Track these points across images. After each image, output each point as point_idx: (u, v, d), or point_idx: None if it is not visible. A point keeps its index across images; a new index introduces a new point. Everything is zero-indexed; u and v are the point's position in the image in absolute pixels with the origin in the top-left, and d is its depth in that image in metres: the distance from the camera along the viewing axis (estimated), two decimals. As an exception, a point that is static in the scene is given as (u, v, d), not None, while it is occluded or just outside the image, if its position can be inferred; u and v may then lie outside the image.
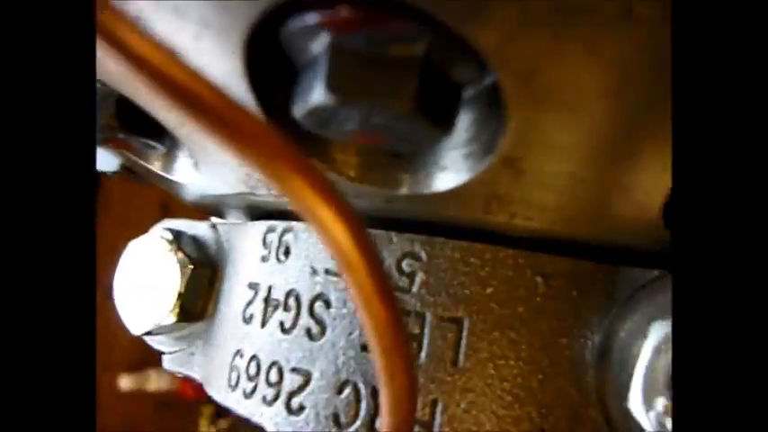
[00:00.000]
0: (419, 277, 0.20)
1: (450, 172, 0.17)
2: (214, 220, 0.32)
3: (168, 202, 1.02)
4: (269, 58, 0.15)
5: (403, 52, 0.14)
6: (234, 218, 0.30)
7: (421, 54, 0.14)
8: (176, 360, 0.28)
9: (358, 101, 0.14)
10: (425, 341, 0.20)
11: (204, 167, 0.21)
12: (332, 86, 0.14)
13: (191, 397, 1.08)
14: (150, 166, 0.24)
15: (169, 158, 0.23)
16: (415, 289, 0.20)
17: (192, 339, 0.28)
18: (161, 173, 0.24)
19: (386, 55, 0.14)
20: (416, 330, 0.20)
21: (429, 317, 0.20)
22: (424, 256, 0.20)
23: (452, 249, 0.20)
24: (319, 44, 0.14)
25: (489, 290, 0.20)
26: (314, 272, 0.22)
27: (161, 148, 0.22)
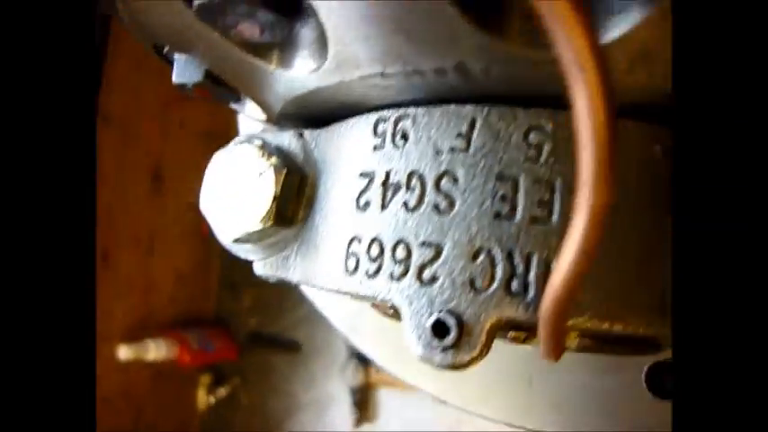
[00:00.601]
0: (546, 147, 0.22)
1: (608, 25, 0.18)
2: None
3: (160, 170, 1.01)
4: None
5: None
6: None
7: None
8: (271, 265, 0.29)
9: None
10: (556, 206, 0.21)
11: (337, 48, 0.22)
12: None
13: (189, 366, 1.07)
14: (264, 62, 0.24)
15: (288, 51, 0.24)
16: (543, 158, 0.22)
17: (282, 245, 0.29)
18: (275, 67, 0.24)
19: None
20: (547, 197, 0.21)
21: (558, 183, 0.21)
22: (549, 127, 0.22)
23: None
24: None
25: None
26: (437, 152, 0.23)
27: (285, 35, 0.23)
